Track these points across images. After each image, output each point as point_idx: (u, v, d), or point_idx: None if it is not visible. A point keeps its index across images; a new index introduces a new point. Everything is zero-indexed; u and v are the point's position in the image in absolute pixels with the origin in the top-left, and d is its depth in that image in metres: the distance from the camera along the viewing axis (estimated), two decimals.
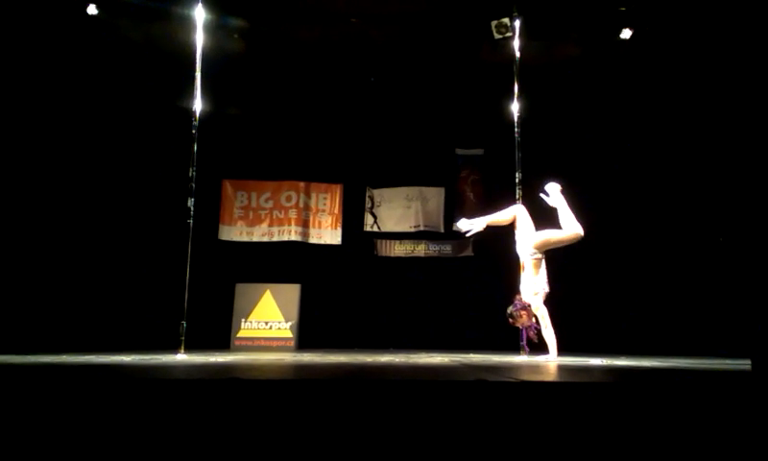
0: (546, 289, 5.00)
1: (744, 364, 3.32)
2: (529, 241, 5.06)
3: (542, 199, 5.21)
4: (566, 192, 5.18)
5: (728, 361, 4.24)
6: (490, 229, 5.28)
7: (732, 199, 5.90)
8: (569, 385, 2.34)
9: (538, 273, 5.00)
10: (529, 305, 4.96)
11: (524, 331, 5.13)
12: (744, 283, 2.92)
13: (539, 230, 5.10)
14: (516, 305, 5.01)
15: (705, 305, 6.86)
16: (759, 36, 2.90)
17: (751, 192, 2.81)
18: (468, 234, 5.31)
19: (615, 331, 7.19)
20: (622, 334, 7.07)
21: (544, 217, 5.26)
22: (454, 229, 5.51)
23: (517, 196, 5.98)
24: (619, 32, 7.04)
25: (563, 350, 4.96)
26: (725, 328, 6.05)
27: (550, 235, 5.04)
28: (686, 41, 6.75)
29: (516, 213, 5.17)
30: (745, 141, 3.01)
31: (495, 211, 5.34)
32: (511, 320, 5.05)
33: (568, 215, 5.04)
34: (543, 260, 5.06)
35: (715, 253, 6.80)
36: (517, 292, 5.13)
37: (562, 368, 3.51)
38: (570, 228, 5.00)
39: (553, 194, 5.16)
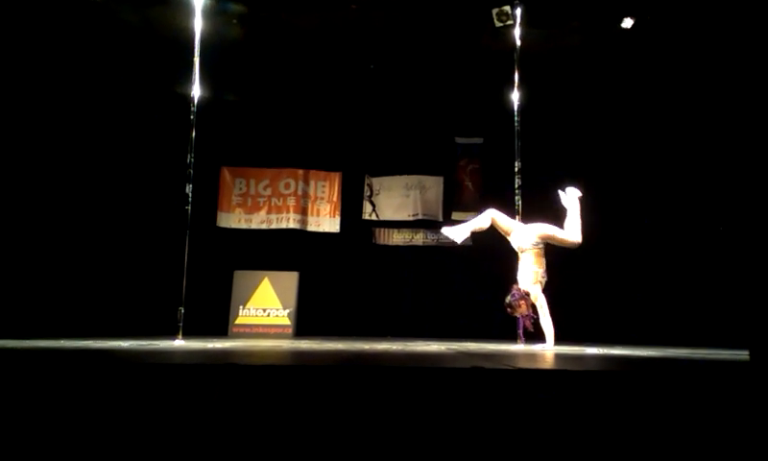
0: (545, 278, 5.03)
1: (742, 355, 3.33)
2: (533, 231, 5.10)
3: (558, 195, 5.28)
4: (566, 182, 5.21)
5: (724, 351, 4.25)
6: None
7: (732, 189, 5.90)
8: (565, 373, 2.34)
9: (540, 262, 5.03)
10: (528, 294, 4.99)
11: (521, 320, 5.16)
12: (743, 274, 2.92)
13: (543, 223, 5.16)
14: (514, 295, 5.03)
15: (703, 295, 6.88)
16: (761, 24, 2.88)
17: (751, 183, 2.81)
18: (460, 242, 5.29)
19: (612, 321, 7.21)
20: (618, 324, 7.09)
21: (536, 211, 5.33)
22: (443, 236, 5.53)
23: (516, 185, 5.97)
24: (621, 21, 7.00)
25: (559, 339, 4.97)
26: (723, 319, 6.06)
27: (554, 232, 5.13)
28: (688, 31, 6.71)
29: (493, 217, 5.22)
30: (747, 133, 3.00)
31: (491, 204, 5.42)
32: (509, 309, 5.07)
33: (576, 221, 5.15)
34: (543, 250, 5.10)
35: (714, 242, 6.81)
36: (515, 282, 5.14)
37: (558, 356, 3.52)
38: (573, 233, 5.13)
39: (571, 197, 5.24)
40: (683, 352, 4.18)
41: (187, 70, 5.77)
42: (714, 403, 2.02)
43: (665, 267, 7.45)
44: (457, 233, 5.19)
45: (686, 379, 2.25)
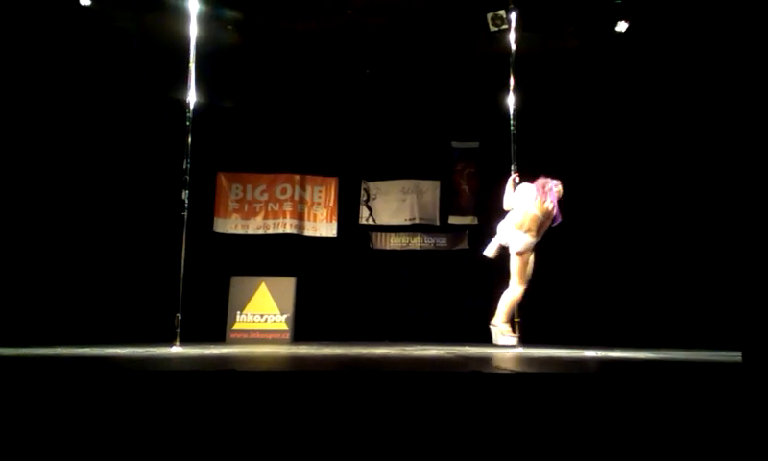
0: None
1: (735, 356, 3.34)
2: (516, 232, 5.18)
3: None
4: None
5: (718, 353, 4.27)
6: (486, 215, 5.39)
7: (727, 192, 5.93)
8: (563, 376, 2.35)
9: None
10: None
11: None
12: (737, 276, 2.94)
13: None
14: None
15: (697, 298, 6.90)
16: (756, 28, 2.91)
17: (746, 186, 2.82)
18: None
19: (609, 324, 7.21)
20: (616, 327, 7.10)
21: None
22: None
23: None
24: (615, 24, 7.03)
25: (556, 343, 4.98)
26: (716, 321, 6.08)
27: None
28: (683, 34, 6.75)
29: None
30: (743, 135, 3.02)
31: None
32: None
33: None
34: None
35: (710, 245, 6.83)
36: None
37: (556, 360, 3.53)
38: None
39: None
40: (679, 355, 4.20)
41: (183, 76, 5.76)
42: (708, 405, 2.03)
43: (661, 270, 7.47)
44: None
45: (682, 382, 2.26)
